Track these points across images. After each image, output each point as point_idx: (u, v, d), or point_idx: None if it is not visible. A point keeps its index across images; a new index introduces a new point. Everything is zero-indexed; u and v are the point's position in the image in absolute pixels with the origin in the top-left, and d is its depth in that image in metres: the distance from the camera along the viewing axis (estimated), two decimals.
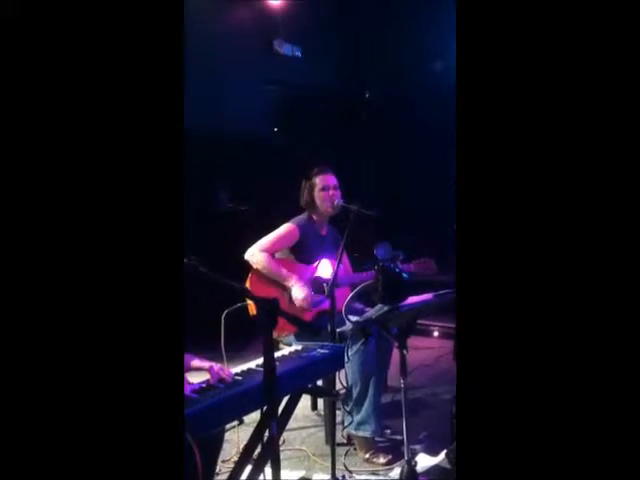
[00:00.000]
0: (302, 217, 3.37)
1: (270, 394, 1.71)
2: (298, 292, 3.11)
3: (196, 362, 2.07)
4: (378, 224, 3.18)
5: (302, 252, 3.29)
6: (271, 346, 1.70)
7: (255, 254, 3.16)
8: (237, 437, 2.84)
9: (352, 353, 2.91)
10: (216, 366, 1.98)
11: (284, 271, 3.16)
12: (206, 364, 2.01)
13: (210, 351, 2.26)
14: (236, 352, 4.10)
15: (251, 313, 2.97)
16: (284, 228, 3.28)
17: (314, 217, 3.38)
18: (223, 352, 2.30)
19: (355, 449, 3.07)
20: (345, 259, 3.43)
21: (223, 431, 2.23)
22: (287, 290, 3.14)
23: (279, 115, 6.58)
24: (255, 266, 3.17)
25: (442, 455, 2.80)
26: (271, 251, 3.19)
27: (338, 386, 2.75)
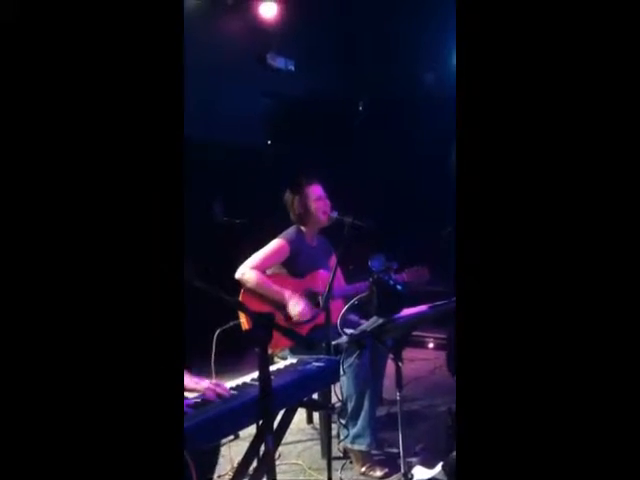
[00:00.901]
0: (291, 231, 3.34)
1: (266, 408, 1.69)
2: (294, 307, 3.08)
3: (188, 382, 2.01)
4: (372, 235, 3.17)
5: (294, 266, 3.27)
6: (266, 360, 1.69)
7: (245, 272, 3.13)
8: (230, 452, 2.82)
9: (347, 366, 2.90)
10: (211, 384, 1.94)
11: (276, 287, 3.13)
12: (200, 385, 1.94)
13: (201, 367, 2.24)
14: (232, 366, 4.10)
15: (244, 328, 2.96)
16: (274, 244, 3.25)
17: (304, 229, 3.36)
18: (213, 371, 2.29)
19: (351, 462, 3.05)
20: (338, 271, 3.42)
21: (218, 446, 2.21)
22: (281, 308, 3.12)
23: (273, 128, 6.59)
24: (246, 285, 3.14)
25: (438, 467, 2.78)
26: (262, 268, 3.17)
27: (334, 399, 2.74)
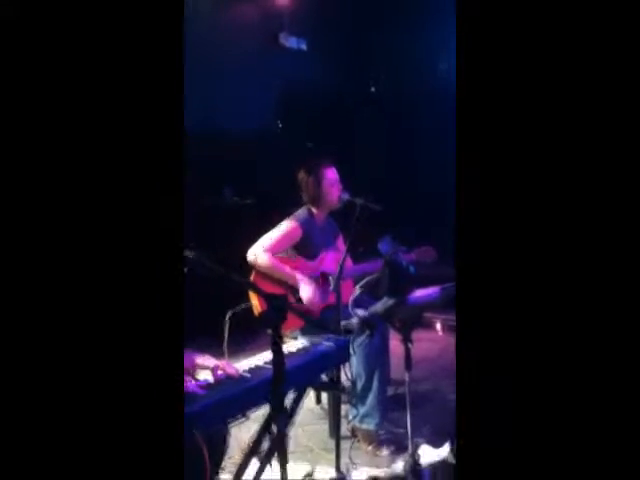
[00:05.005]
0: (302, 213, 3.32)
1: (278, 390, 1.71)
2: (305, 290, 3.08)
3: (200, 360, 2.03)
4: (382, 218, 3.16)
5: (305, 247, 3.26)
6: (280, 342, 1.70)
7: (258, 255, 3.11)
8: (239, 433, 2.84)
9: (357, 346, 2.91)
10: (221, 363, 1.96)
11: (288, 270, 3.13)
12: (211, 362, 1.97)
13: (212, 348, 2.25)
14: (239, 348, 4.11)
15: (256, 312, 2.96)
16: (286, 227, 3.22)
17: (315, 211, 3.35)
18: (225, 352, 2.29)
19: (359, 441, 3.07)
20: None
21: (227, 427, 2.22)
22: (292, 290, 3.12)
23: (283, 109, 6.54)
24: (258, 268, 3.13)
25: (446, 448, 2.80)
26: (274, 251, 3.14)
27: (343, 378, 2.75)
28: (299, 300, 3.09)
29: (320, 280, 3.21)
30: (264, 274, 3.12)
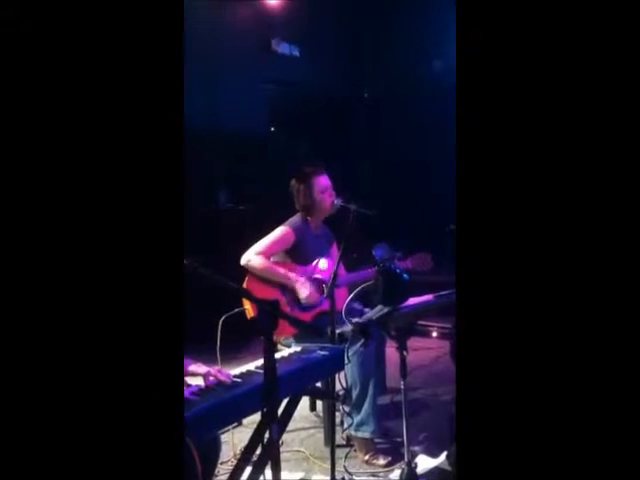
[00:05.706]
0: (297, 219, 3.33)
1: (271, 396, 1.69)
2: (302, 290, 3.09)
3: (193, 367, 2.03)
4: (376, 224, 3.15)
5: (298, 254, 3.26)
6: (272, 348, 1.68)
7: (251, 258, 3.12)
8: (232, 439, 2.82)
9: (351, 354, 2.89)
10: (213, 369, 1.95)
11: (282, 271, 3.13)
12: (203, 369, 1.97)
13: (205, 354, 2.24)
14: (233, 355, 4.09)
15: (249, 316, 2.95)
16: (279, 231, 3.23)
17: (309, 218, 3.35)
18: (218, 357, 2.29)
19: (355, 450, 3.05)
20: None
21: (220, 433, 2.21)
22: (287, 291, 3.12)
23: (277, 114, 6.56)
24: (252, 270, 3.13)
25: (442, 457, 2.78)
26: (267, 254, 3.15)
27: (338, 387, 2.73)
28: (294, 301, 3.08)
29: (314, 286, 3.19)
30: (258, 277, 3.12)
